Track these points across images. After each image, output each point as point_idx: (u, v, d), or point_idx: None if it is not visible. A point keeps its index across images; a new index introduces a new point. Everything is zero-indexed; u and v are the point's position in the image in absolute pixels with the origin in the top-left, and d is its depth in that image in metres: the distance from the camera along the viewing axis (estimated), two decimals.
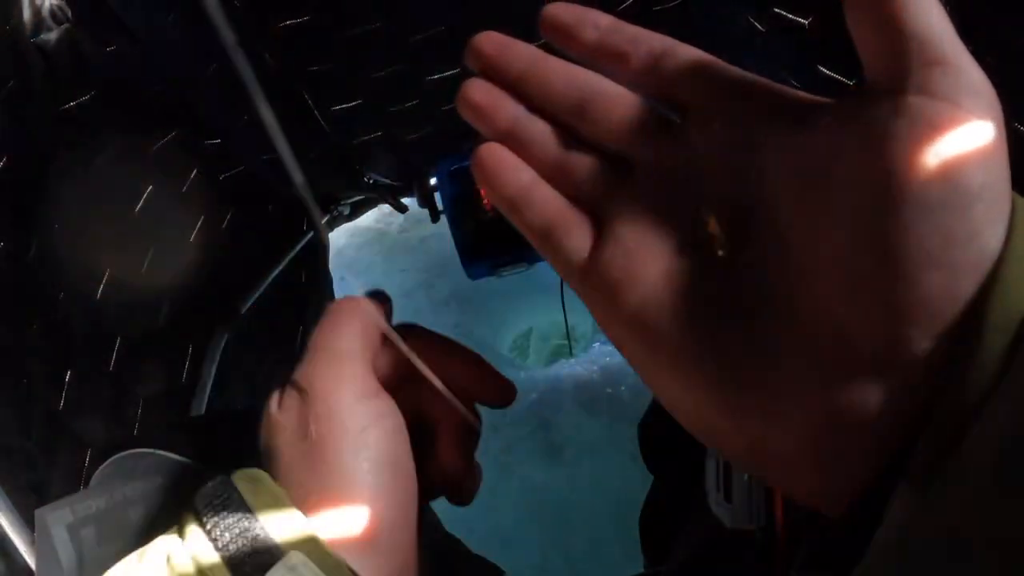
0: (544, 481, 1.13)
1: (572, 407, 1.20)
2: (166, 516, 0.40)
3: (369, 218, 1.52)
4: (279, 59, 0.77)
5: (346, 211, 1.10)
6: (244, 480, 0.24)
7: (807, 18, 0.57)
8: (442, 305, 1.44)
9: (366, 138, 0.88)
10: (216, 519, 0.23)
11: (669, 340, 0.18)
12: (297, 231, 0.98)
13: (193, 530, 0.23)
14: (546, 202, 0.21)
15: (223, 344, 0.78)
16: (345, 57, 0.77)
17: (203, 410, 0.73)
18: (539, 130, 0.21)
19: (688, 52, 0.20)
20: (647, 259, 0.19)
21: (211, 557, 0.22)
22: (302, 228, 1.00)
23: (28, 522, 0.43)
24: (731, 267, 0.18)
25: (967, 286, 0.14)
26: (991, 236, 0.14)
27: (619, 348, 0.20)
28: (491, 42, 0.22)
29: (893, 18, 0.15)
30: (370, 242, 1.59)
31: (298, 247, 0.97)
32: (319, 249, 1.06)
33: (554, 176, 0.21)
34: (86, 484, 0.51)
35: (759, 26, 0.65)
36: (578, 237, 0.20)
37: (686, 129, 0.20)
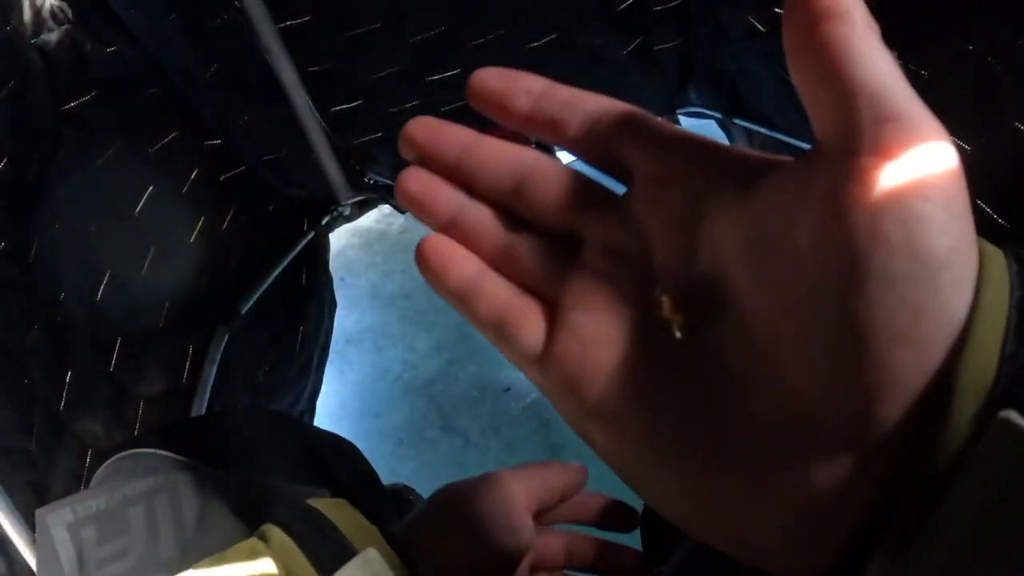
0: None
1: None
2: (170, 517, 0.40)
3: (369, 219, 1.52)
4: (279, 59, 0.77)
5: (346, 212, 1.10)
6: (323, 504, 0.29)
7: None
8: (443, 305, 1.43)
9: (366, 138, 0.88)
10: (300, 528, 0.28)
11: (635, 433, 0.17)
12: (297, 231, 0.98)
13: (278, 535, 0.28)
14: (495, 294, 0.20)
15: (223, 344, 0.78)
16: (345, 57, 0.77)
17: (204, 410, 0.73)
18: (482, 217, 0.21)
19: (625, 112, 0.19)
20: (603, 347, 0.18)
21: (297, 555, 0.26)
22: (302, 228, 1.00)
23: (29, 522, 0.43)
24: (691, 349, 0.17)
25: (938, 357, 0.13)
26: (960, 303, 0.13)
27: (585, 440, 0.19)
28: (422, 129, 0.21)
29: (840, 73, 0.14)
30: (371, 243, 1.59)
31: (298, 247, 0.97)
32: (319, 249, 1.06)
33: (501, 263, 0.21)
34: (87, 484, 0.52)
35: (759, 26, 0.65)
36: (531, 329, 0.20)
37: (631, 200, 0.19)
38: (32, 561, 0.42)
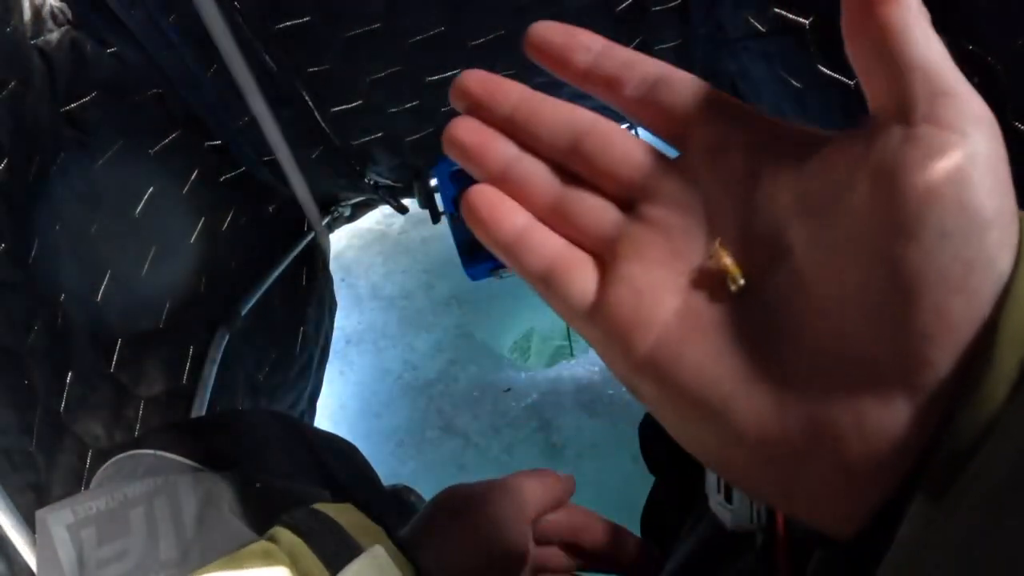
0: None
1: (573, 408, 1.20)
2: (170, 517, 0.40)
3: (370, 219, 1.52)
4: (279, 60, 0.77)
5: (347, 212, 1.10)
6: (328, 508, 0.30)
7: (807, 18, 0.57)
8: (442, 306, 1.44)
9: (366, 139, 0.88)
10: (308, 529, 0.28)
11: (688, 383, 0.18)
12: (297, 232, 0.98)
13: (288, 537, 0.28)
14: (545, 244, 0.20)
15: (223, 345, 0.78)
16: (345, 58, 0.77)
17: (204, 411, 0.73)
18: (534, 170, 0.21)
19: (683, 79, 0.19)
20: (658, 299, 0.19)
21: (308, 555, 0.27)
22: (302, 229, 1.00)
23: (29, 523, 0.43)
24: (747, 299, 0.18)
25: (985, 307, 0.14)
26: (1005, 261, 0.15)
27: (632, 391, 0.19)
28: (476, 80, 0.21)
29: (897, 52, 0.15)
30: (371, 243, 1.59)
31: (298, 248, 0.97)
32: (319, 250, 1.06)
33: (552, 218, 0.20)
34: (87, 485, 0.52)
35: (759, 26, 0.65)
36: (582, 279, 0.20)
37: (687, 161, 0.19)
38: (32, 562, 0.42)
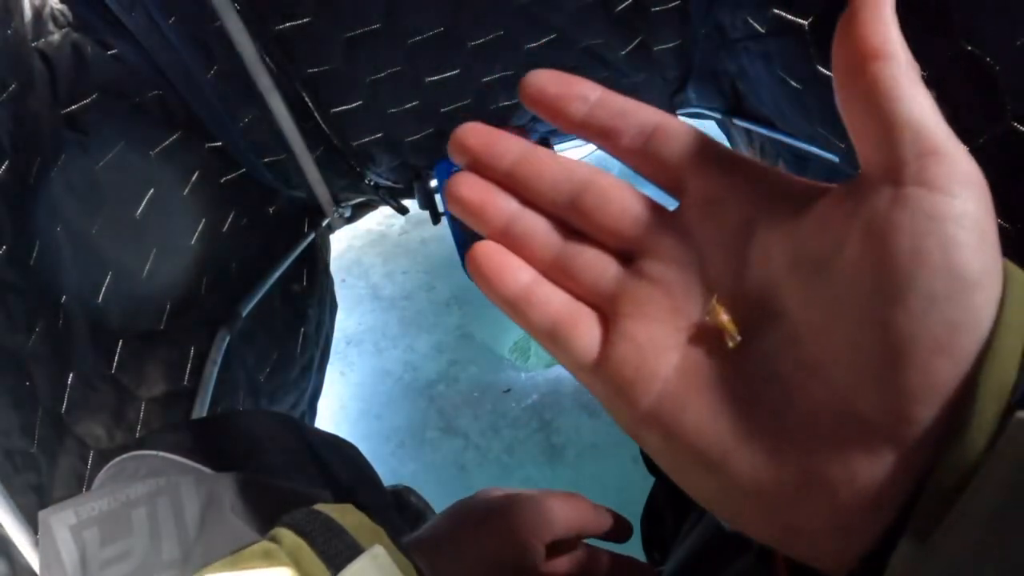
0: (545, 482, 1.14)
1: (573, 408, 1.19)
2: (172, 518, 0.40)
3: (370, 220, 1.52)
4: (279, 61, 0.77)
5: (347, 213, 1.10)
6: (329, 509, 0.30)
7: (806, 18, 0.57)
8: (443, 307, 1.44)
9: (366, 139, 0.88)
10: (310, 529, 0.28)
11: (689, 438, 0.18)
12: (298, 233, 0.99)
13: (290, 537, 0.28)
14: (549, 301, 0.21)
15: (224, 346, 0.78)
16: (345, 58, 0.77)
17: (205, 412, 0.73)
18: (535, 226, 0.21)
19: (679, 129, 0.20)
20: (659, 355, 0.19)
21: (310, 556, 0.27)
22: (303, 230, 1.00)
23: (31, 524, 0.43)
24: (743, 356, 0.18)
25: (968, 365, 0.15)
26: (988, 319, 0.15)
27: (638, 442, 0.20)
28: (476, 135, 0.21)
29: (886, 109, 0.16)
30: (371, 244, 1.59)
31: (299, 249, 0.97)
32: (320, 250, 1.06)
33: (555, 273, 0.21)
34: (88, 486, 0.52)
35: (758, 27, 0.65)
36: (585, 335, 0.20)
37: (683, 214, 0.20)
38: (35, 563, 0.42)
